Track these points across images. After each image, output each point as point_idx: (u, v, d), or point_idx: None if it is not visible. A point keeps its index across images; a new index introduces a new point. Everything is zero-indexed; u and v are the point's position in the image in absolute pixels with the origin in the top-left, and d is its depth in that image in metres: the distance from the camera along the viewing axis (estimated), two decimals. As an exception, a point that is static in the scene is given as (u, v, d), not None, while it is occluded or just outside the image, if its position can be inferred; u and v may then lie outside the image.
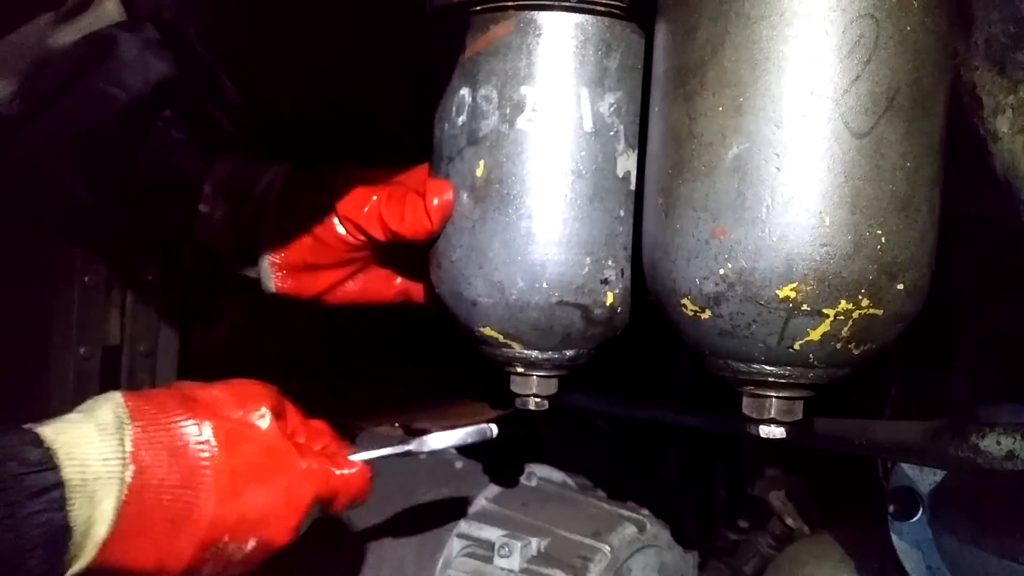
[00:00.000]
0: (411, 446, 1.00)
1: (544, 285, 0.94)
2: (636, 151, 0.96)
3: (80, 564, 0.74)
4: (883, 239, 0.79)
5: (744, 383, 0.86)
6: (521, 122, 0.93)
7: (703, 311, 0.83)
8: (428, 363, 1.53)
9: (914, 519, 1.12)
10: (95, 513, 0.74)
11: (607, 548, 1.22)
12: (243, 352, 1.53)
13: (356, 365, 1.60)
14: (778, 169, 0.78)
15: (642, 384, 1.37)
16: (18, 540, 0.69)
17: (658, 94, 0.88)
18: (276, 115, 1.32)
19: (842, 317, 0.80)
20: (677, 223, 0.83)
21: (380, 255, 1.06)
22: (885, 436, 1.06)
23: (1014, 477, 0.96)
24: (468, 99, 0.95)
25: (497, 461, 1.37)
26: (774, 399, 0.85)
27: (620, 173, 0.95)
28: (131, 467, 0.76)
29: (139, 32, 1.06)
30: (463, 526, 1.26)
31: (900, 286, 0.81)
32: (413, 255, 1.03)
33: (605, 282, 0.96)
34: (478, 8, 0.94)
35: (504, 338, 0.97)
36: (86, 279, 1.28)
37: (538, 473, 1.38)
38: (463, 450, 1.37)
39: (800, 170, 0.77)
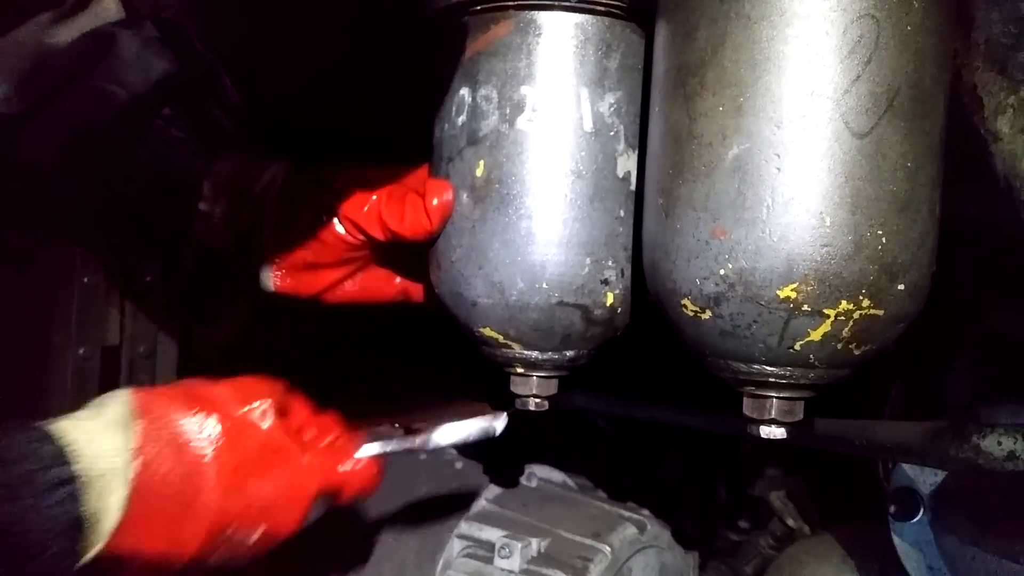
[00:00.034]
0: (419, 440, 1.00)
1: (544, 286, 0.94)
2: (636, 151, 0.96)
3: (92, 552, 0.77)
4: (884, 239, 0.79)
5: (745, 383, 0.86)
6: (521, 122, 0.93)
7: (703, 311, 0.83)
8: (428, 363, 1.53)
9: (915, 520, 1.12)
10: (105, 505, 0.77)
11: (607, 549, 1.21)
12: (243, 352, 1.53)
13: (356, 365, 1.60)
14: (778, 169, 0.78)
15: (642, 384, 1.37)
16: (43, 529, 0.72)
17: (658, 94, 0.87)
18: (276, 114, 1.32)
19: (843, 317, 0.80)
20: (677, 223, 0.83)
21: (380, 255, 1.06)
22: (885, 436, 1.06)
23: (1015, 478, 0.96)
24: (468, 99, 0.95)
25: (497, 461, 1.37)
26: (775, 399, 0.85)
27: (620, 173, 0.95)
28: (137, 461, 0.79)
29: (139, 30, 1.06)
30: (463, 527, 1.26)
31: (901, 286, 0.81)
32: (413, 255, 1.03)
33: (605, 282, 0.95)
34: (478, 8, 0.94)
35: (504, 339, 0.97)
36: (86, 279, 1.28)
37: (538, 473, 1.38)
38: (463, 450, 1.37)
39: (800, 170, 0.77)
